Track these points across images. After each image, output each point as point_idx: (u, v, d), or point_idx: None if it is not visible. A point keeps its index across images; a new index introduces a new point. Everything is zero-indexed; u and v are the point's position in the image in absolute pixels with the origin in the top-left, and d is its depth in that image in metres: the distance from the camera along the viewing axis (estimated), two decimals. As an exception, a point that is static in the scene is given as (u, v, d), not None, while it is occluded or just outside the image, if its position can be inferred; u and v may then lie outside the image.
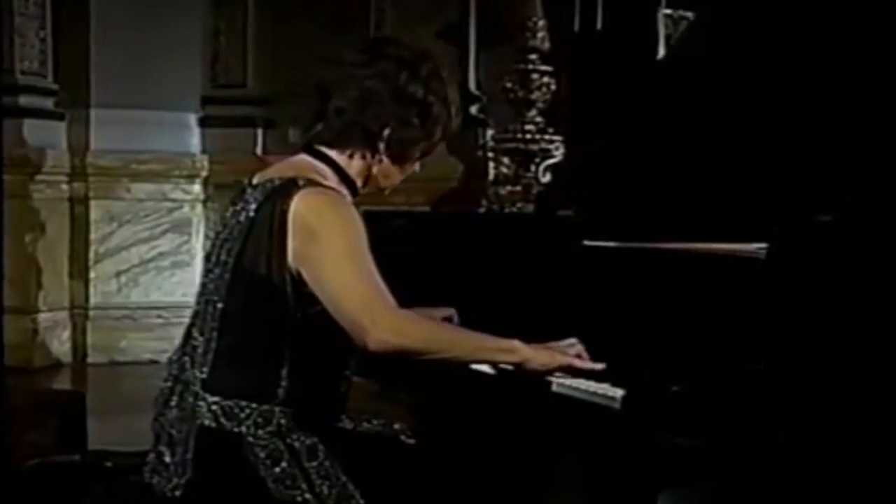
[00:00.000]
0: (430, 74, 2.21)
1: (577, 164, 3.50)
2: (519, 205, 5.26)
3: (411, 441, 2.28)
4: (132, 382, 6.15)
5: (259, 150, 6.86)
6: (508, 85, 5.48)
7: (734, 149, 2.62)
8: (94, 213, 6.50)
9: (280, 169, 2.21)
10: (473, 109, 6.49)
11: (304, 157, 2.23)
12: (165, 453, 2.17)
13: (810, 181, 2.47)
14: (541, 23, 5.51)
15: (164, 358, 6.93)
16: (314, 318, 2.11)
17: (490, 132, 6.45)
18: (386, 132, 2.19)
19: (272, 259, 2.10)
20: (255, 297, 2.13)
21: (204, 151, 6.79)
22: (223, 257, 2.17)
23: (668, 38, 6.25)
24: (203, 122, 6.84)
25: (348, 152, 2.21)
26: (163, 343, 6.61)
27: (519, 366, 2.11)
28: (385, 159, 2.22)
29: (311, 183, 2.13)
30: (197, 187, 6.74)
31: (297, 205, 2.09)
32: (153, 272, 6.64)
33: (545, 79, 5.47)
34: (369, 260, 2.08)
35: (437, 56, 2.29)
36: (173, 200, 6.68)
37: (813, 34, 2.53)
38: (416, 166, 2.30)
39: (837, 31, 2.49)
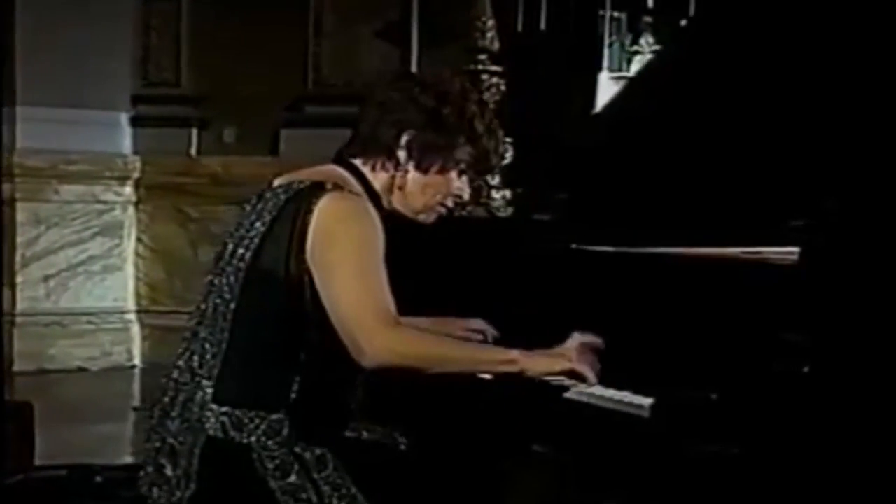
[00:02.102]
0: (448, 89, 2.28)
1: (550, 167, 3.53)
2: (469, 207, 5.26)
3: (413, 451, 2.28)
4: (63, 391, 6.04)
5: (193, 151, 6.79)
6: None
7: (714, 152, 2.67)
8: (20, 216, 6.36)
9: (307, 174, 2.25)
10: (416, 110, 6.50)
11: (333, 167, 2.28)
12: (167, 466, 2.14)
13: (786, 186, 2.53)
14: (490, 22, 5.52)
15: (94, 366, 6.88)
16: (330, 324, 2.11)
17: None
18: (403, 139, 2.24)
19: (291, 258, 2.12)
20: (272, 297, 2.14)
21: (136, 152, 6.70)
22: (239, 255, 2.18)
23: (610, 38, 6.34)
24: (134, 122, 6.74)
25: (372, 163, 2.26)
26: (93, 350, 6.53)
27: (519, 375, 2.14)
28: (410, 170, 2.26)
29: (338, 188, 2.16)
30: (128, 189, 6.65)
31: (323, 207, 2.12)
32: (83, 277, 6.52)
33: (495, 79, 5.48)
34: (380, 274, 2.11)
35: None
36: (104, 202, 6.57)
37: (794, 36, 2.58)
38: (462, 189, 2.30)
39: (820, 33, 2.53)
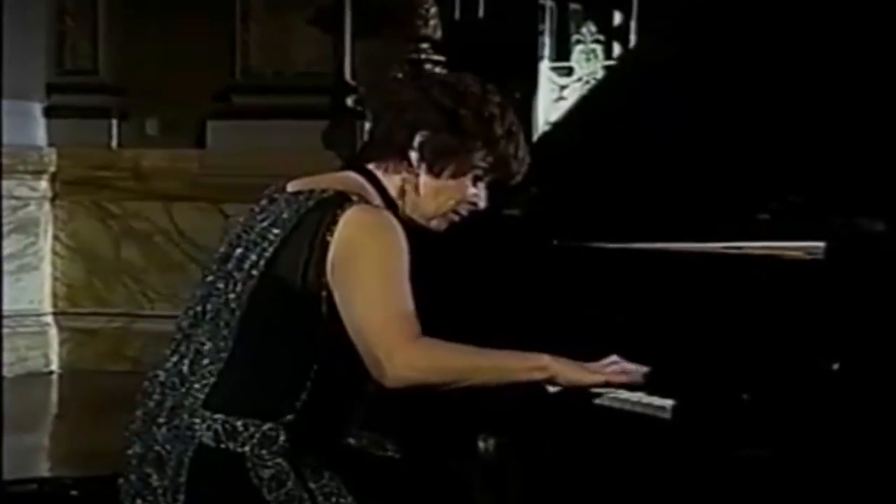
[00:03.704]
0: (467, 90, 2.26)
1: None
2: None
3: (405, 459, 2.29)
4: (-24, 399, 5.90)
5: (113, 143, 6.68)
6: (399, 76, 5.47)
7: (681, 147, 2.74)
8: (-73, 213, 6.23)
9: (327, 181, 2.23)
10: (350, 101, 6.47)
11: (349, 174, 2.27)
12: (152, 475, 2.11)
13: (753, 181, 2.66)
14: (433, 10, 5.51)
15: (9, 372, 6.74)
16: (346, 340, 2.10)
17: (368, 125, 6.43)
18: (416, 139, 2.22)
19: (310, 269, 2.10)
20: (285, 308, 2.13)
21: (51, 144, 6.56)
22: (252, 261, 2.16)
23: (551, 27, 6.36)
24: (49, 112, 6.61)
25: (385, 165, 2.24)
26: (8, 355, 6.34)
27: (549, 382, 2.12)
28: (422, 174, 2.24)
29: (364, 200, 2.16)
30: (44, 184, 6.51)
31: (348, 218, 2.11)
32: (-4, 277, 6.39)
33: (438, 69, 5.47)
34: (404, 286, 2.09)
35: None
36: (18, 198, 6.40)
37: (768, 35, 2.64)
38: (478, 196, 2.27)
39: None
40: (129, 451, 2.17)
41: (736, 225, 2.70)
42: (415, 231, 2.31)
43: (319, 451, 2.13)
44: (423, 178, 2.23)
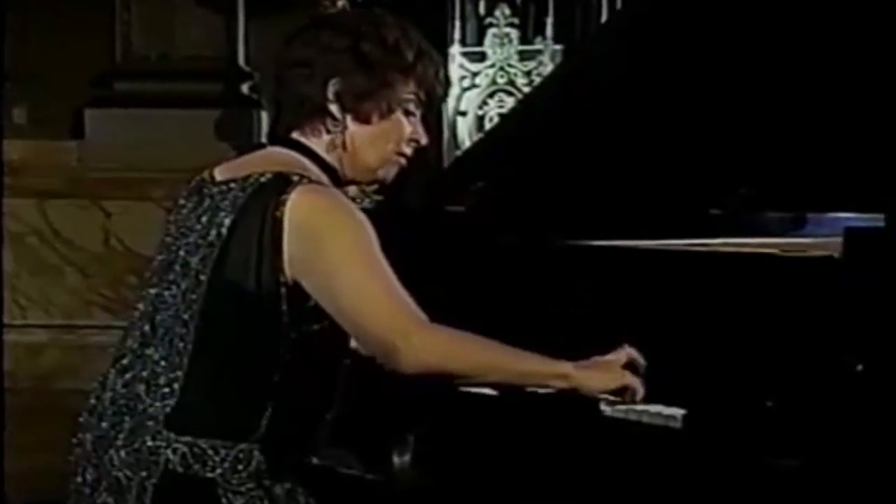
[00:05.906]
0: (359, 22, 2.21)
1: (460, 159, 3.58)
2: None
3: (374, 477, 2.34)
4: None
5: (-23, 134, 6.43)
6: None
7: (626, 143, 2.79)
8: None
9: (258, 163, 2.16)
10: (245, 88, 6.33)
11: (278, 150, 2.20)
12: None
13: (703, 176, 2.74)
14: (339, -10, 5.41)
15: None
16: (312, 338, 2.06)
17: (265, 114, 6.31)
18: (330, 90, 2.16)
19: (263, 267, 2.04)
20: (240, 311, 2.06)
21: None
22: (196, 265, 2.08)
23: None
24: None
25: (307, 129, 2.19)
26: None
27: (572, 391, 2.10)
28: (350, 125, 2.18)
29: (305, 178, 2.09)
30: None
31: (296, 203, 2.04)
32: None
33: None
34: (388, 267, 2.05)
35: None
36: None
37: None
38: (417, 132, 2.22)
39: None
40: (79, 479, 2.09)
41: (696, 220, 2.73)
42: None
43: (292, 473, 2.09)
44: (353, 129, 2.18)
